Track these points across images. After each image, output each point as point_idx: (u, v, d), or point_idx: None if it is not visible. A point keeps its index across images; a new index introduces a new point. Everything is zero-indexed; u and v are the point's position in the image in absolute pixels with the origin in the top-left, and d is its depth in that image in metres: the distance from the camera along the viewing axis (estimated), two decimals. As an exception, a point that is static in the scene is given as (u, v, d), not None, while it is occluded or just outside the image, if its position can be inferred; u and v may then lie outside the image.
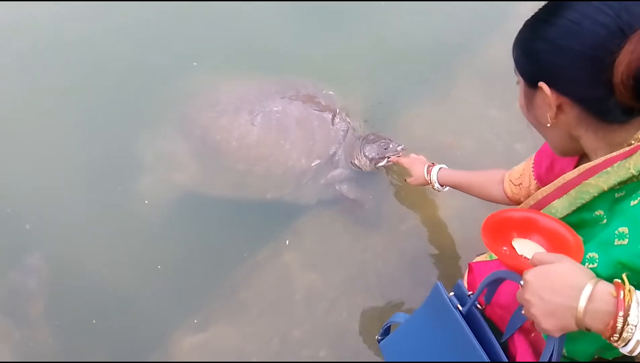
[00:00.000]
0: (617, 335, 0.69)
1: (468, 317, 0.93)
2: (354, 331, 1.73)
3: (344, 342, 1.71)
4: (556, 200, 0.97)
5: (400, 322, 1.13)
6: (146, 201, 2.05)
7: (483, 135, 2.20)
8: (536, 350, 1.03)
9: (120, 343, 1.78)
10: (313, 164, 1.99)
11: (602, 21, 0.80)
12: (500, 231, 0.92)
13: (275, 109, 2.04)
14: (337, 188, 2.01)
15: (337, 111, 2.09)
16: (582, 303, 0.70)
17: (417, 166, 1.68)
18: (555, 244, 0.88)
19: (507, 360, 0.90)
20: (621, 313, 0.68)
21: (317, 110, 2.06)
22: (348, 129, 2.06)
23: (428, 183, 1.62)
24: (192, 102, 2.21)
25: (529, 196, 1.12)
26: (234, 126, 2.03)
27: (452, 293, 0.96)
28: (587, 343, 0.95)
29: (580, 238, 0.87)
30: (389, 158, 1.92)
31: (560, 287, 0.73)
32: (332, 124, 2.05)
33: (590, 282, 0.71)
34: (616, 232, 0.82)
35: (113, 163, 2.17)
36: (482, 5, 2.66)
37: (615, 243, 0.82)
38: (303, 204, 2.02)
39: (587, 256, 0.86)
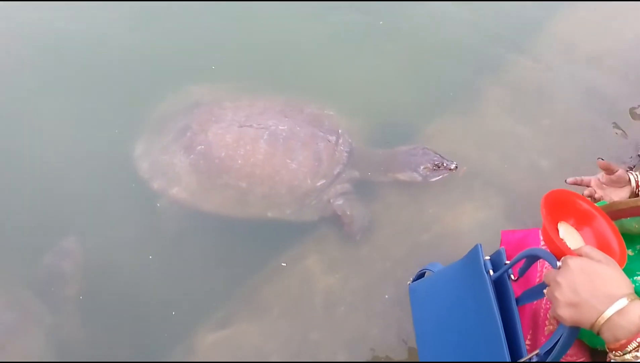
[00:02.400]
0: (620, 353, 0.70)
1: (498, 283, 0.94)
2: (371, 336, 1.76)
3: (361, 347, 1.74)
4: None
5: (434, 271, 1.17)
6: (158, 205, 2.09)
7: (508, 150, 2.23)
8: (534, 316, 1.08)
9: (147, 334, 1.84)
10: (318, 184, 2.03)
11: None
12: (558, 209, 0.92)
13: (281, 128, 2.07)
14: (330, 201, 2.03)
15: (340, 131, 2.13)
16: (609, 312, 0.70)
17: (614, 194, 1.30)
18: (600, 247, 0.86)
19: (520, 330, 0.90)
20: (639, 340, 0.69)
21: (322, 131, 2.10)
22: (351, 150, 2.11)
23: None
24: (195, 116, 2.20)
25: None
26: (240, 143, 2.04)
27: (487, 258, 0.97)
28: (597, 338, 0.95)
29: (625, 258, 0.86)
30: (441, 174, 2.01)
31: (597, 288, 0.72)
32: (337, 145, 2.09)
33: (627, 297, 0.71)
34: None
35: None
36: (508, 22, 2.70)
37: None
38: (305, 222, 2.04)
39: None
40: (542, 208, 0.89)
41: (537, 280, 1.15)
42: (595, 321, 0.71)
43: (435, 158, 2.03)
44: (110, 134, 2.29)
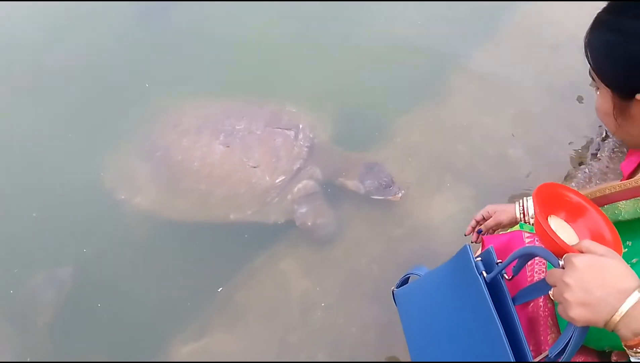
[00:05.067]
0: None
1: (491, 285, 0.88)
2: (350, 335, 1.73)
3: (341, 347, 1.71)
4: (622, 201, 0.92)
5: (419, 274, 1.08)
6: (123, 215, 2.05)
7: (476, 141, 2.23)
8: (531, 325, 1.02)
9: (120, 349, 1.79)
10: (277, 181, 1.98)
11: None
12: (548, 203, 0.87)
13: (238, 127, 2.04)
14: (295, 207, 1.97)
15: (301, 127, 2.09)
16: (625, 307, 0.67)
17: (503, 215, 1.33)
18: (594, 239, 0.81)
19: (521, 332, 0.85)
20: None
21: (280, 127, 2.08)
22: (312, 145, 2.07)
23: (520, 221, 1.32)
24: (154, 124, 2.20)
25: None
26: (196, 146, 2.02)
27: (479, 258, 0.90)
28: (605, 340, 0.93)
29: (621, 249, 0.82)
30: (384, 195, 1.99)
31: (609, 284, 0.68)
32: (296, 140, 2.05)
33: (638, 289, 0.68)
34: None
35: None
36: (471, 14, 2.72)
37: None
38: (271, 224, 1.99)
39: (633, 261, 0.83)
40: (534, 204, 0.84)
41: (529, 278, 1.10)
42: (610, 318, 0.68)
43: (385, 180, 1.99)
44: (75, 149, 2.26)
